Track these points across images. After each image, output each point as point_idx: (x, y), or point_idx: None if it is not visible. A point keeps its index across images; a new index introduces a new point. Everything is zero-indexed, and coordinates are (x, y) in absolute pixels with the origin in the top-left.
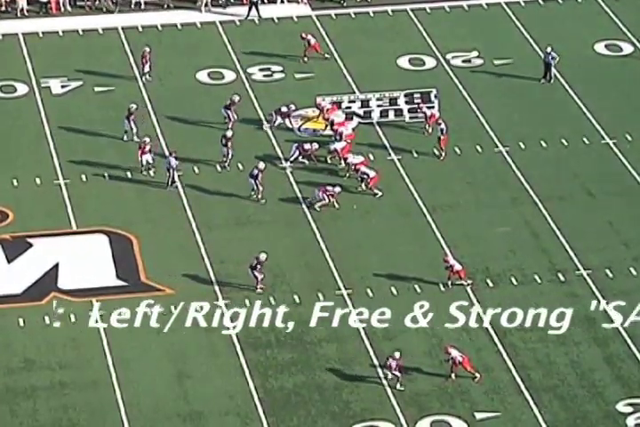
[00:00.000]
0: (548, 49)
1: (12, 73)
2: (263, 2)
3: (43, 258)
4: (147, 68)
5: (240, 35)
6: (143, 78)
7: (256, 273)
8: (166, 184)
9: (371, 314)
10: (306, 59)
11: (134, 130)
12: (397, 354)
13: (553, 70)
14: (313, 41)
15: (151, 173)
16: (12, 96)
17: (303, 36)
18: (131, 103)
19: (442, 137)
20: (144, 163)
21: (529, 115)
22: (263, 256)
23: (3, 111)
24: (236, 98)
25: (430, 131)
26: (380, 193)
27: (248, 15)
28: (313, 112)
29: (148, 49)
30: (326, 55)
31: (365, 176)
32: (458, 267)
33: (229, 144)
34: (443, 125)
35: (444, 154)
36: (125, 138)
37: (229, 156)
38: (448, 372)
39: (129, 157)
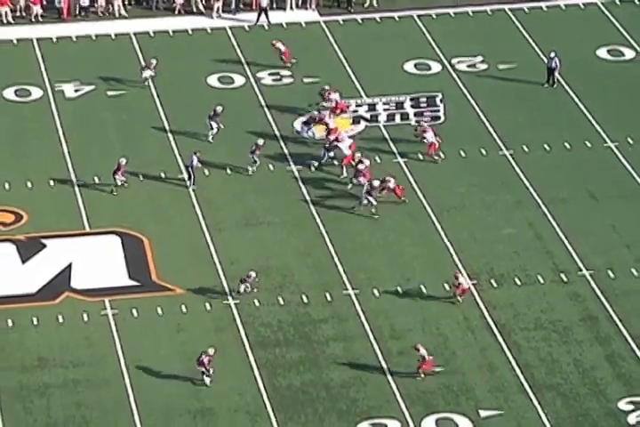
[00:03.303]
0: (552, 54)
1: (27, 77)
2: (272, 8)
3: (56, 258)
4: (151, 73)
5: (250, 40)
6: (146, 82)
7: (244, 285)
8: (191, 183)
9: (377, 314)
10: (289, 64)
11: (214, 131)
12: (212, 351)
13: (556, 75)
14: (283, 48)
15: (114, 192)
16: (26, 100)
17: (273, 43)
18: (217, 105)
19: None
20: (118, 182)
21: (532, 119)
22: (253, 274)
23: (18, 114)
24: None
25: (436, 158)
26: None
27: (257, 21)
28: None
29: (155, 61)
30: (292, 61)
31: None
32: (465, 286)
33: (257, 152)
34: (429, 136)
35: (436, 158)
36: (211, 139)
37: (256, 163)
38: (415, 369)
39: (140, 159)
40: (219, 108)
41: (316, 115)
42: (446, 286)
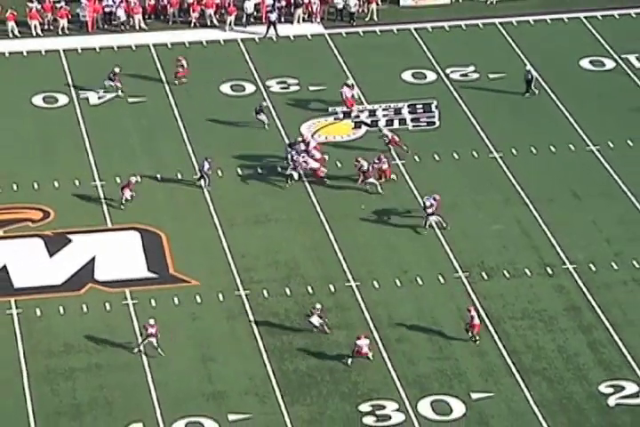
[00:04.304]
0: (528, 67)
1: (54, 85)
2: (280, 22)
3: (81, 252)
4: (118, 84)
5: (259, 51)
6: (120, 93)
7: (315, 318)
8: (205, 184)
9: (377, 304)
10: (178, 81)
11: (267, 121)
12: (152, 321)
13: (534, 84)
14: (185, 65)
15: (122, 207)
16: (53, 106)
17: (180, 59)
18: (263, 101)
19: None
20: (126, 197)
21: (520, 124)
22: (318, 306)
23: (46, 120)
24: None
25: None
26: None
27: (267, 33)
28: (325, 121)
29: (118, 69)
30: (183, 80)
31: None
32: (476, 321)
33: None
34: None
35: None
36: (266, 127)
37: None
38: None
39: (158, 161)
40: (264, 103)
41: (298, 141)
42: (441, 279)
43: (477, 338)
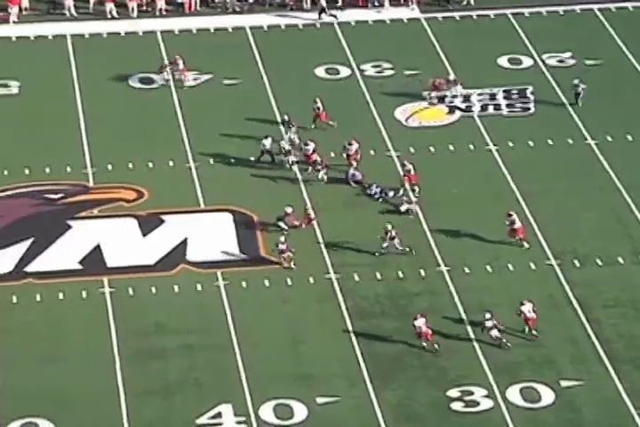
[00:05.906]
0: (576, 81)
1: (150, 66)
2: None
3: (173, 233)
4: (167, 77)
5: (355, 35)
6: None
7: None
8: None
9: (467, 290)
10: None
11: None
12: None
13: (581, 97)
14: (182, 64)
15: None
16: (149, 87)
17: (176, 58)
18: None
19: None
20: (291, 225)
21: (616, 110)
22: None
23: (142, 101)
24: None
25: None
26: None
27: (320, 18)
28: (419, 105)
29: (166, 61)
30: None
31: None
32: (531, 315)
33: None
34: (409, 166)
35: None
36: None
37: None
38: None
39: (253, 143)
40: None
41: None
42: (532, 265)
43: (535, 333)
